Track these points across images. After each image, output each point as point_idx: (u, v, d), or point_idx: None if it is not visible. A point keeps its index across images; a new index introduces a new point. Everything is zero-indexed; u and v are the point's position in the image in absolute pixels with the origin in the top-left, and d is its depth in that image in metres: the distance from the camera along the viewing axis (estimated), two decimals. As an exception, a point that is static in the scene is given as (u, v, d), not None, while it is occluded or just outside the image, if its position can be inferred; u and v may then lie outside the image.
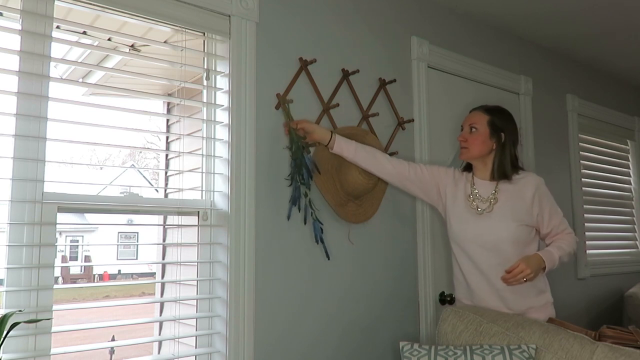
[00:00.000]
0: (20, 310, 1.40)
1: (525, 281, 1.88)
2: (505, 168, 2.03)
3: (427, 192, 2.14)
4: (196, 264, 1.86)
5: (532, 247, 2.05)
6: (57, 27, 1.74)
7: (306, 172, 1.88)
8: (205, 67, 1.92)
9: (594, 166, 3.71)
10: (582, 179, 3.49)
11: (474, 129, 2.04)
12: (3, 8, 1.50)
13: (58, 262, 5.68)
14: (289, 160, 1.94)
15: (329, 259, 1.93)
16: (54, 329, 1.49)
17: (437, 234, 2.48)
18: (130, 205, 1.71)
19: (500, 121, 2.05)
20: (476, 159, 2.08)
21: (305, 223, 1.93)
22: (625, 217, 3.95)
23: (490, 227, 2.00)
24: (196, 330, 1.83)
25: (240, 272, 1.81)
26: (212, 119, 1.90)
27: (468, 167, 2.15)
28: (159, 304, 2.34)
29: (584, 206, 3.47)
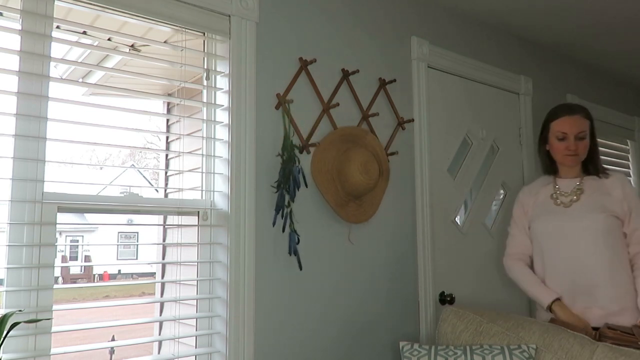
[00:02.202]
0: (20, 310, 1.40)
1: None
2: (600, 163, 2.11)
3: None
4: (196, 264, 1.86)
5: (621, 246, 2.00)
6: (57, 27, 1.74)
7: (293, 184, 1.89)
8: (205, 67, 1.92)
9: (594, 166, 3.70)
10: (582, 179, 3.48)
11: (583, 137, 2.07)
12: (3, 8, 1.50)
13: (58, 262, 5.68)
14: (278, 167, 1.92)
15: (301, 269, 1.93)
16: (54, 329, 1.49)
17: (437, 234, 2.48)
18: (130, 205, 1.71)
19: (592, 121, 2.11)
20: None
21: (283, 231, 1.93)
22: (625, 217, 3.94)
23: (576, 216, 2.01)
24: (196, 330, 1.83)
25: (240, 272, 1.81)
26: (212, 119, 1.90)
27: (550, 170, 2.18)
28: (159, 304, 2.34)
29: (584, 206, 3.46)
